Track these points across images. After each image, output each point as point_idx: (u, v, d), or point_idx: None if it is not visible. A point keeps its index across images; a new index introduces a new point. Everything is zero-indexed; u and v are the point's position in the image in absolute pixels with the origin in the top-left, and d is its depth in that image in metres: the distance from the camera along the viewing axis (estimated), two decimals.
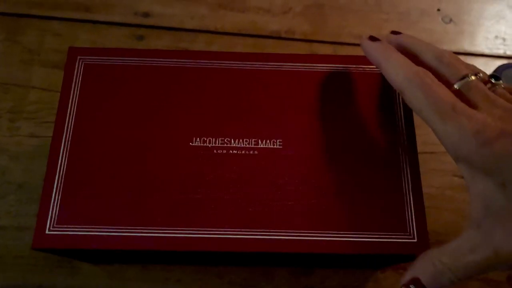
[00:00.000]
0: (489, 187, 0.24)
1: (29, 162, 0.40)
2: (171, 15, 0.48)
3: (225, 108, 0.31)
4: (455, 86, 0.26)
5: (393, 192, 0.29)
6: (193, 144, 0.30)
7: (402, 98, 0.32)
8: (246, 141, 0.30)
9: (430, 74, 0.26)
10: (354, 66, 0.33)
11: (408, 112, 0.31)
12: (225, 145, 0.30)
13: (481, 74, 0.26)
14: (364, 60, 0.32)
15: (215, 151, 0.30)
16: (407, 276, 0.25)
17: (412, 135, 0.31)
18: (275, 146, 0.30)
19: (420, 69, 0.26)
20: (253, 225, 0.28)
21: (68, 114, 0.30)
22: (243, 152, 0.30)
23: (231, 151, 0.30)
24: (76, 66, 0.32)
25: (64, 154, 0.29)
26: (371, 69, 0.32)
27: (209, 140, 0.30)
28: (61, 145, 0.29)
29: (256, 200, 0.29)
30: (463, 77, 0.26)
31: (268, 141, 0.30)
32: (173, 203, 0.28)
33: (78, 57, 0.32)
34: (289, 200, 0.29)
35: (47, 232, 0.27)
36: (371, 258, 0.30)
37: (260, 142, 0.30)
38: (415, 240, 0.28)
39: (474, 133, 0.23)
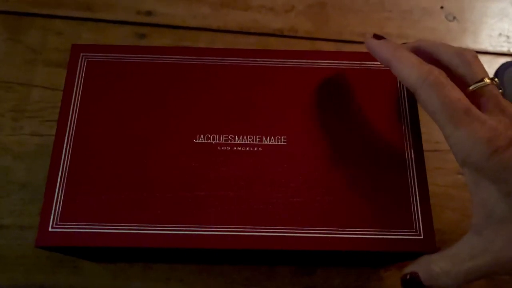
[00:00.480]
0: (494, 195, 0.24)
1: (32, 162, 0.40)
2: (174, 14, 0.48)
3: (228, 105, 0.31)
4: (470, 88, 0.26)
5: (399, 189, 0.29)
6: (197, 141, 0.30)
7: (407, 95, 0.32)
8: (250, 137, 0.30)
9: (444, 73, 0.25)
10: (359, 62, 0.32)
11: (414, 108, 0.31)
12: (229, 141, 0.30)
13: (496, 79, 0.26)
14: (368, 56, 0.32)
15: (219, 147, 0.30)
16: (406, 271, 0.26)
17: (417, 131, 0.31)
18: (279, 143, 0.30)
19: (434, 68, 0.25)
20: (257, 222, 0.28)
21: (71, 111, 0.30)
22: (247, 148, 0.30)
23: (235, 148, 0.30)
24: (79, 63, 0.31)
25: (67, 150, 0.29)
26: (376, 66, 0.32)
27: (213, 137, 0.30)
28: (64, 141, 0.29)
29: (260, 197, 0.28)
30: (481, 80, 0.26)
31: (272, 137, 0.30)
32: (176, 200, 0.28)
33: (81, 54, 0.32)
34: (294, 197, 0.28)
35: (50, 229, 0.27)
36: (376, 255, 0.30)
37: (264, 138, 0.30)
38: (421, 237, 0.28)
39: (486, 140, 0.23)
